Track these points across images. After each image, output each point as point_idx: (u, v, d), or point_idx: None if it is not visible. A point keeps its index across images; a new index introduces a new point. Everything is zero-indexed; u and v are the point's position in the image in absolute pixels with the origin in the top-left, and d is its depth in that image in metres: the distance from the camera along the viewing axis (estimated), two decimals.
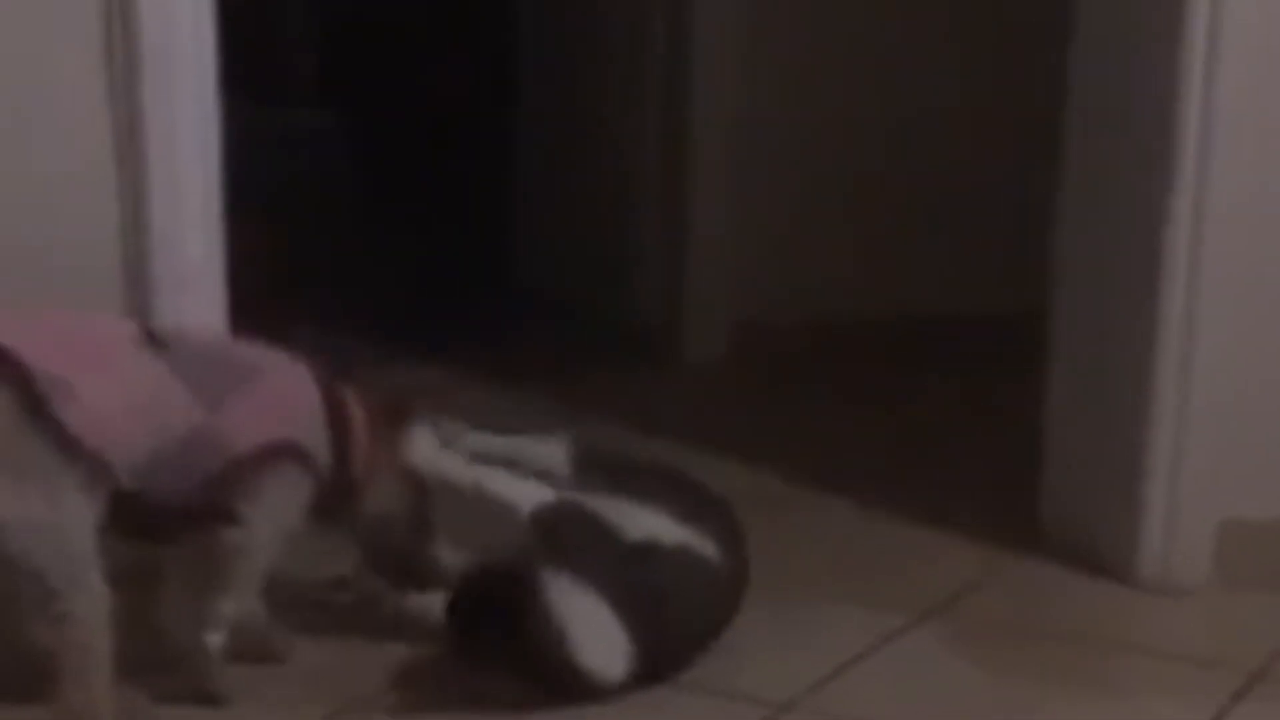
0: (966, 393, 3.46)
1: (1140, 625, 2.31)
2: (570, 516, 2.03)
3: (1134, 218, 2.36)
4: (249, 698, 1.95)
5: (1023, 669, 2.13)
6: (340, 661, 2.06)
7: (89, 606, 1.72)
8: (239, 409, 1.86)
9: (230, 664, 1.95)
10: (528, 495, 2.06)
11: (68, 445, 1.70)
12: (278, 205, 3.88)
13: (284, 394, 1.94)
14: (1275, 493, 2.39)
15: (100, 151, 2.10)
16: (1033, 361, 2.62)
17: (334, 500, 2.01)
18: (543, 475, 2.11)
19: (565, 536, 2.00)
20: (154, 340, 1.84)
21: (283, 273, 3.46)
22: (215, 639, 1.93)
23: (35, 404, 1.69)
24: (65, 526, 1.71)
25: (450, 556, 2.10)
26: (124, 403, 1.76)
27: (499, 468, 2.10)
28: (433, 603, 2.03)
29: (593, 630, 1.91)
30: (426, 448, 2.08)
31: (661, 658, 1.97)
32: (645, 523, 2.02)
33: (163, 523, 1.86)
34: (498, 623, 1.92)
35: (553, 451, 2.16)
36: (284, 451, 1.91)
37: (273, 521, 1.93)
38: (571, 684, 1.91)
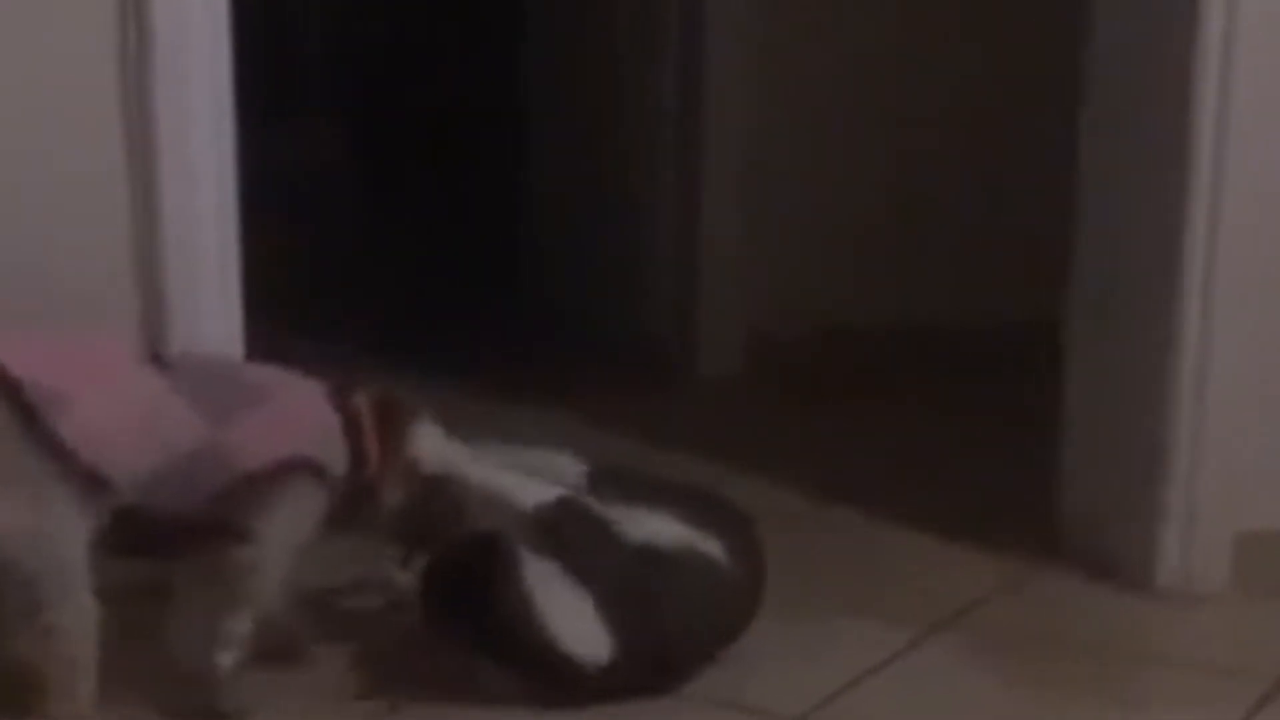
0: (983, 402, 3.43)
1: (1159, 635, 2.29)
2: (572, 515, 2.01)
3: (1149, 228, 2.35)
4: (263, 709, 1.93)
5: (1039, 680, 2.11)
6: (360, 670, 2.04)
7: (76, 619, 1.71)
8: (248, 425, 1.85)
9: (250, 670, 1.93)
10: (531, 492, 2.04)
11: (61, 458, 1.69)
12: (285, 213, 3.88)
13: (296, 410, 1.93)
14: None
15: (113, 153, 2.10)
16: (1049, 370, 2.60)
17: (351, 507, 2.00)
18: (556, 480, 2.10)
19: (566, 534, 1.98)
20: (158, 360, 1.84)
21: (291, 280, 3.45)
22: (226, 659, 1.91)
23: (28, 415, 1.68)
24: (54, 537, 1.70)
25: None
26: (124, 417, 1.75)
27: (507, 469, 2.09)
28: None
29: (569, 614, 1.89)
30: (433, 443, 2.06)
31: (655, 660, 1.95)
32: (649, 525, 2.01)
33: (168, 538, 1.85)
34: (471, 601, 1.90)
35: (567, 466, 2.15)
36: (297, 467, 1.90)
37: (285, 537, 1.92)
38: (553, 670, 1.89)
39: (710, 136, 3.66)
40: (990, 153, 3.79)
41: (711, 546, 2.02)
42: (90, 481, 1.71)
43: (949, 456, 3.09)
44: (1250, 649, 2.22)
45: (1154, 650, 2.24)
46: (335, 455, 1.96)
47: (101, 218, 2.12)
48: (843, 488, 2.83)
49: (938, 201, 3.81)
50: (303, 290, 3.73)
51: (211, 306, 2.17)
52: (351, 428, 1.98)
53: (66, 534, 1.71)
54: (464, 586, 1.93)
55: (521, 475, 2.11)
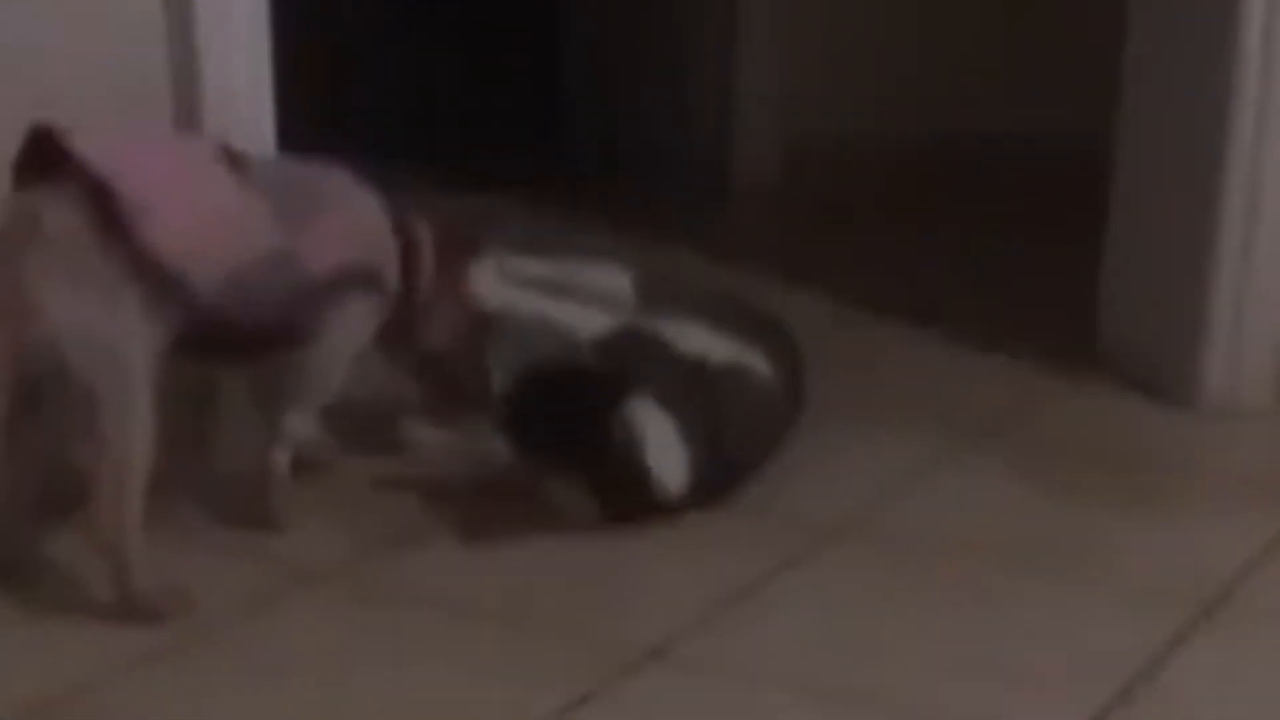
0: (1025, 214, 3.41)
1: (1199, 449, 2.29)
2: (629, 341, 2.02)
3: (1202, 38, 2.30)
4: (298, 525, 1.96)
5: (1080, 492, 2.12)
6: (389, 493, 2.06)
7: (133, 430, 1.70)
8: (316, 232, 1.85)
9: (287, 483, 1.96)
10: (588, 322, 2.04)
11: (141, 263, 1.69)
12: (323, 27, 3.82)
13: (358, 218, 1.93)
14: None
15: None
16: (1098, 180, 2.57)
17: (398, 329, 2.01)
18: (608, 302, 2.09)
19: (625, 360, 1.98)
20: (234, 160, 1.82)
21: (328, 97, 3.42)
22: (282, 457, 1.94)
23: (112, 218, 1.67)
24: (121, 342, 1.69)
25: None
26: (204, 223, 1.75)
27: (562, 296, 2.09)
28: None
29: (664, 442, 1.89)
30: (490, 280, 2.07)
31: (715, 477, 1.96)
32: (698, 340, 2.01)
33: (238, 342, 1.86)
34: (562, 424, 1.89)
35: (617, 279, 2.15)
36: (358, 274, 1.91)
37: (344, 342, 1.93)
38: (641, 494, 1.90)
39: None
40: None
41: (755, 358, 2.03)
42: (169, 287, 1.71)
43: (989, 268, 3.07)
44: None
45: (1194, 463, 2.25)
46: (391, 271, 1.96)
47: (135, 31, 2.08)
48: (881, 300, 2.82)
49: (985, 15, 3.74)
50: (340, 104, 3.69)
51: (244, 121, 2.14)
52: (408, 251, 1.98)
53: (133, 343, 1.70)
54: (564, 409, 1.90)
55: (572, 293, 2.11)
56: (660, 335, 2.02)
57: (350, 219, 1.91)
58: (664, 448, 1.89)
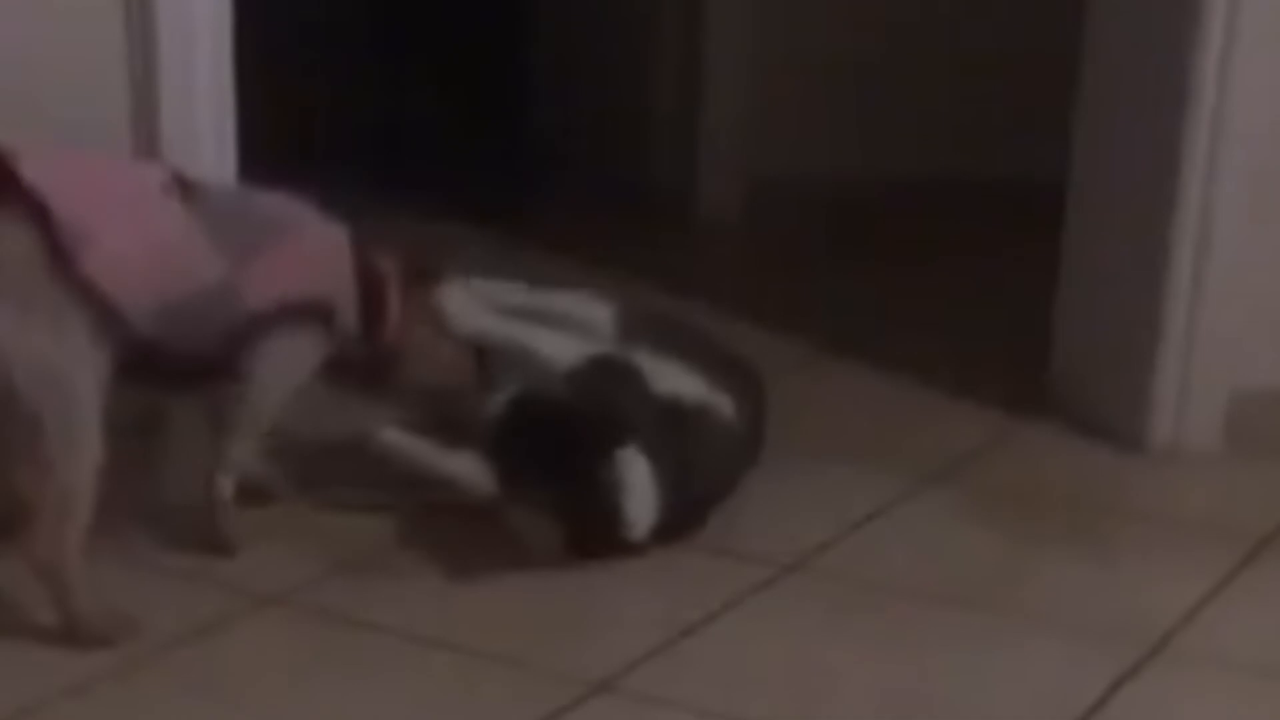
0: (981, 256, 3.43)
1: (1148, 491, 2.31)
2: (604, 373, 2.01)
3: (1154, 79, 2.32)
4: (248, 551, 1.96)
5: (1030, 533, 2.13)
6: (343, 519, 2.06)
7: (78, 456, 1.70)
8: (260, 265, 1.85)
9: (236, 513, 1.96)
10: (563, 351, 2.04)
11: (80, 290, 1.69)
12: (290, 59, 3.83)
13: (311, 251, 1.92)
14: None
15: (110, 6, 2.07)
16: (1049, 226, 2.59)
17: (374, 366, 2.01)
18: (586, 330, 2.09)
19: (597, 392, 1.98)
20: (185, 189, 1.82)
21: (296, 129, 3.43)
22: (225, 483, 1.94)
23: (53, 245, 1.67)
24: (68, 369, 1.69)
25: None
26: (145, 252, 1.75)
27: (536, 323, 2.09)
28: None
29: (642, 488, 1.90)
30: (460, 304, 2.06)
31: (679, 516, 1.97)
32: (672, 379, 2.01)
33: (178, 373, 1.86)
34: (549, 457, 1.89)
35: (598, 309, 2.14)
36: (303, 308, 1.90)
37: (281, 376, 1.93)
38: (609, 534, 1.90)
39: None
40: (1001, 7, 3.75)
41: (723, 398, 2.03)
42: (107, 314, 1.71)
43: (947, 309, 3.09)
44: (1239, 507, 2.24)
45: (1142, 506, 2.27)
46: (346, 304, 1.96)
47: (97, 66, 2.09)
48: (837, 338, 2.84)
49: (948, 50, 3.78)
50: (305, 131, 3.70)
51: (206, 158, 2.15)
52: (371, 287, 1.98)
53: (81, 368, 1.70)
54: (554, 443, 1.90)
55: (551, 323, 2.10)
56: (635, 370, 2.01)
57: (301, 251, 1.91)
58: (641, 493, 1.90)
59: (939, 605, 1.92)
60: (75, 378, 1.70)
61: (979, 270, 3.35)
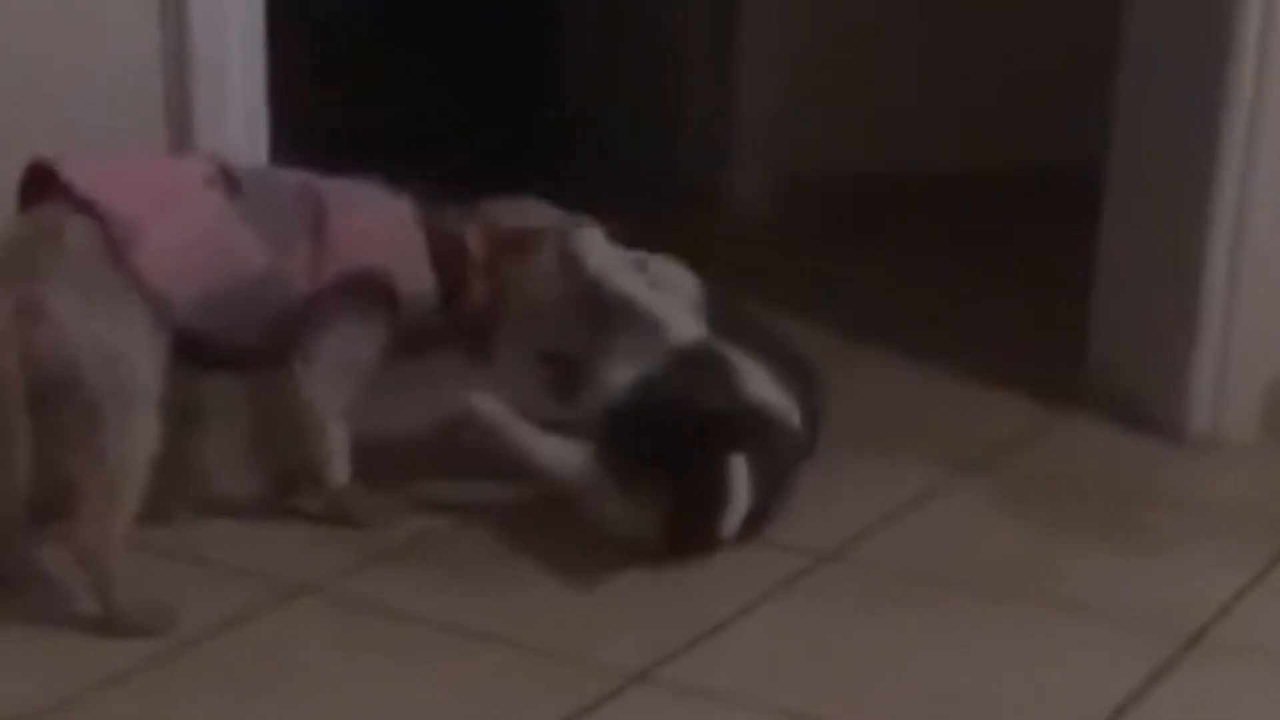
0: (1017, 247, 3.42)
1: (1187, 481, 2.30)
2: (706, 362, 1.99)
3: (1192, 74, 2.31)
4: (283, 539, 1.96)
5: (1067, 523, 2.13)
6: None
7: (133, 445, 1.71)
8: (309, 249, 1.85)
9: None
10: (678, 323, 2.02)
11: (135, 282, 1.71)
12: (315, 51, 3.84)
13: (363, 228, 1.91)
14: None
15: None
16: (1086, 216, 2.58)
17: (456, 337, 2.00)
18: (680, 292, 2.08)
19: (697, 379, 1.96)
20: (228, 179, 1.83)
21: (323, 121, 3.43)
22: (339, 473, 1.96)
23: (108, 242, 1.69)
24: (129, 356, 1.70)
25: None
26: (190, 245, 1.76)
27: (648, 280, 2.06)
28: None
29: (741, 490, 1.90)
30: (599, 252, 2.02)
31: (751, 521, 1.96)
32: (758, 384, 2.00)
33: (232, 360, 1.88)
34: (664, 456, 1.88)
35: (684, 278, 2.14)
36: (356, 287, 1.90)
37: (347, 357, 1.93)
38: (704, 539, 1.91)
39: None
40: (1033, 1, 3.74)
41: (791, 407, 2.03)
42: (157, 307, 1.73)
43: (979, 300, 3.08)
44: (1276, 496, 2.23)
45: (1179, 496, 2.26)
46: (416, 277, 1.95)
47: (130, 43, 2.09)
48: (871, 329, 2.84)
49: (979, 41, 3.76)
50: (332, 123, 3.70)
51: (238, 135, 2.15)
52: (448, 255, 1.96)
53: (140, 354, 1.71)
54: (670, 443, 1.89)
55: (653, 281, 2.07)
56: (731, 368, 1.99)
57: (351, 229, 1.90)
58: (740, 499, 1.90)
59: (975, 595, 1.91)
60: (136, 365, 1.71)
61: (1010, 261, 3.34)
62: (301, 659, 1.72)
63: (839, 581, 1.94)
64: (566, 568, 1.91)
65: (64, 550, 1.72)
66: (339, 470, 1.97)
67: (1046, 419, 2.48)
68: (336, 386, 1.94)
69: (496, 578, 1.91)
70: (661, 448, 1.89)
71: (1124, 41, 2.47)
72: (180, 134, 2.12)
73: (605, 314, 2.04)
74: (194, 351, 1.79)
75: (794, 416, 2.03)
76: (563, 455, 1.94)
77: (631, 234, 2.13)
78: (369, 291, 1.92)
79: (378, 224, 1.93)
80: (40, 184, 1.74)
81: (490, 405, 1.97)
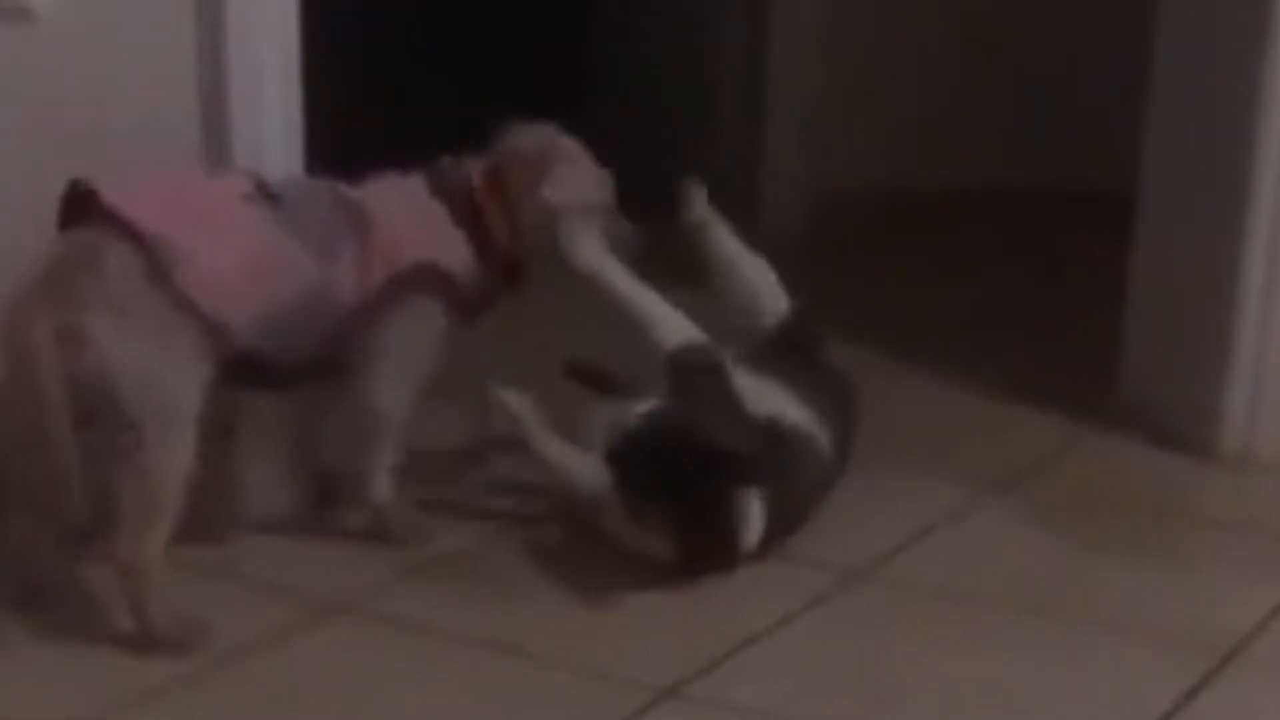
0: (1051, 265, 3.42)
1: (1221, 499, 2.29)
2: (703, 368, 1.98)
3: (1226, 93, 2.31)
4: (317, 557, 1.97)
5: (1100, 541, 2.12)
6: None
7: (172, 462, 1.72)
8: (353, 257, 1.86)
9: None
10: (670, 330, 2.00)
11: (182, 308, 1.72)
12: (346, 57, 3.86)
13: (402, 226, 1.90)
14: None
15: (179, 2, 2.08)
16: (1119, 234, 2.58)
17: (498, 290, 2.00)
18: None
19: (692, 386, 1.96)
20: (267, 194, 1.83)
21: (351, 128, 3.45)
22: (381, 489, 1.97)
23: (150, 262, 1.71)
24: (169, 376, 1.72)
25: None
26: (237, 265, 1.77)
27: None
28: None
29: (756, 518, 1.90)
30: (593, 248, 2.00)
31: (776, 542, 1.97)
32: (770, 401, 2.00)
33: (287, 376, 1.89)
34: (679, 483, 1.88)
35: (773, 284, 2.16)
36: (410, 287, 1.90)
37: (407, 363, 1.94)
38: (721, 561, 1.92)
39: None
40: (1066, 17, 3.73)
41: (823, 435, 2.03)
42: (210, 330, 1.74)
43: (1016, 317, 3.08)
44: None
45: (1213, 514, 2.25)
46: (455, 253, 1.94)
47: (166, 44, 2.10)
48: (903, 345, 2.83)
49: (1014, 60, 3.76)
50: (360, 130, 3.72)
51: (273, 131, 2.14)
52: (463, 210, 1.96)
53: (181, 375, 1.73)
54: (685, 470, 1.88)
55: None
56: (728, 381, 1.98)
57: (390, 233, 1.89)
58: (755, 526, 1.90)
59: (1008, 612, 1.91)
60: (177, 385, 1.73)
61: (1043, 277, 3.34)
62: (334, 676, 1.73)
63: (870, 598, 1.93)
64: (596, 583, 1.92)
65: (105, 567, 1.74)
66: (383, 486, 1.98)
67: (1079, 436, 2.48)
68: (401, 394, 1.95)
69: (527, 593, 1.91)
70: (668, 476, 1.88)
71: (1156, 58, 2.47)
72: (218, 150, 2.12)
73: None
74: (254, 373, 1.81)
75: (819, 432, 2.03)
76: (582, 468, 1.94)
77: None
78: (425, 287, 1.91)
79: (411, 215, 1.93)
80: (80, 205, 1.76)
81: (518, 401, 1.98)
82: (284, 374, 1.87)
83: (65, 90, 1.99)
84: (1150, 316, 2.52)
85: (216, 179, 1.96)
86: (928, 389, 2.68)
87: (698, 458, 1.88)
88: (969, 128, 3.76)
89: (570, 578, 1.93)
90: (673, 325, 2.01)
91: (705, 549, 1.90)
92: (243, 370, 1.80)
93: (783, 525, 1.97)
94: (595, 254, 2.01)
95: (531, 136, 2.06)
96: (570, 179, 2.03)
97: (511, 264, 2.00)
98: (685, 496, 1.88)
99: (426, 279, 1.91)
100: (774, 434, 1.97)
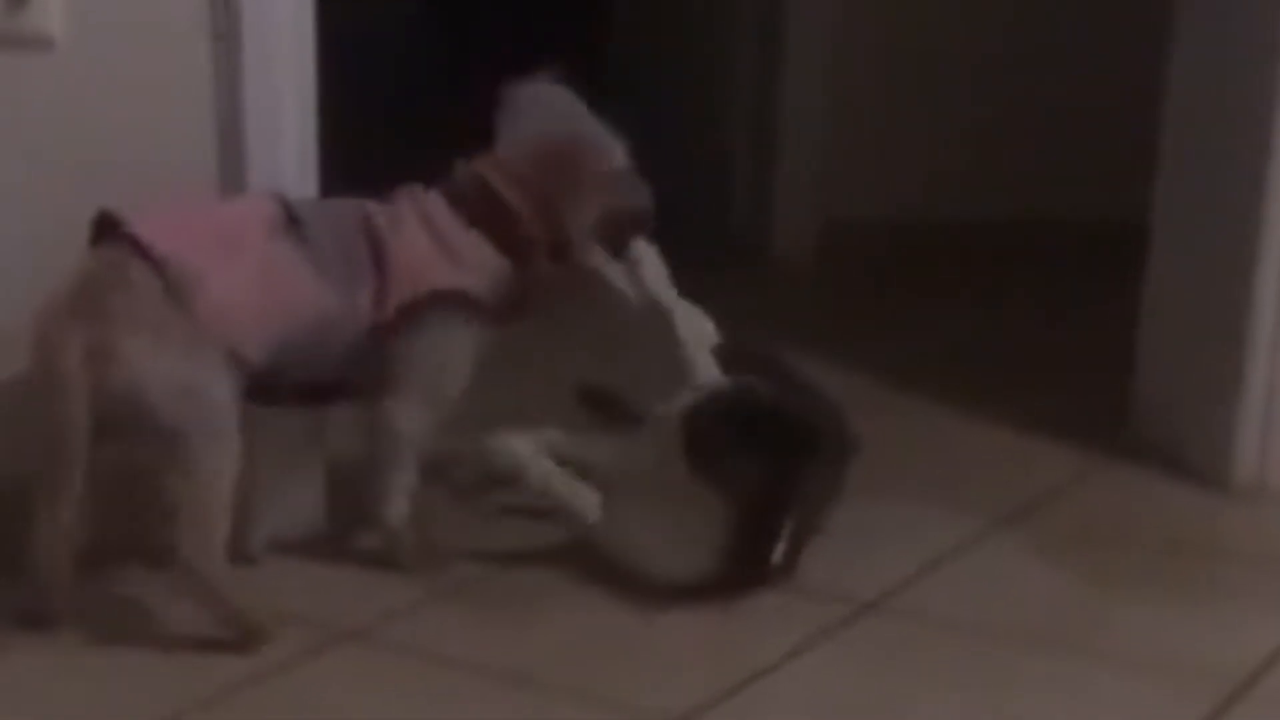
0: (1060, 296, 3.42)
1: (1234, 531, 2.28)
2: (735, 409, 1.98)
3: (1238, 123, 2.31)
4: (327, 584, 1.97)
5: (1112, 573, 2.11)
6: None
7: (219, 459, 1.74)
8: (375, 280, 1.86)
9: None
10: (706, 370, 2.02)
11: (201, 329, 1.74)
12: (369, 98, 3.88)
13: (416, 249, 1.90)
14: None
15: (197, 32, 2.09)
16: (1129, 265, 2.58)
17: (544, 285, 1.99)
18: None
19: (714, 434, 1.95)
20: (290, 218, 1.84)
21: (364, 147, 3.46)
22: (393, 513, 1.97)
23: (170, 288, 1.72)
24: (204, 381, 1.73)
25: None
26: (252, 292, 1.78)
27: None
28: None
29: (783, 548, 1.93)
30: (660, 277, 2.03)
31: (791, 564, 1.98)
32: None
33: (307, 396, 1.90)
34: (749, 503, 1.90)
35: (707, 326, 2.15)
36: (436, 301, 1.89)
37: (430, 389, 1.94)
38: (753, 578, 1.93)
39: (792, 20, 3.63)
40: (1077, 48, 3.75)
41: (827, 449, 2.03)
42: (226, 352, 1.76)
43: (1025, 348, 3.08)
44: None
45: (1226, 546, 2.24)
46: (470, 258, 1.92)
47: (183, 74, 2.11)
48: (914, 376, 2.83)
49: (1022, 91, 3.77)
50: (379, 150, 3.74)
51: (289, 161, 2.15)
52: (484, 213, 1.93)
53: (216, 380, 1.74)
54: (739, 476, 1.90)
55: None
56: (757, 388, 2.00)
57: (408, 255, 1.89)
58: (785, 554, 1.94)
59: (1019, 645, 1.90)
60: (213, 389, 1.74)
61: (1054, 310, 3.34)
62: (343, 704, 1.73)
63: (880, 630, 1.93)
64: (608, 612, 1.91)
65: (166, 575, 1.76)
66: (398, 510, 1.98)
67: (1090, 467, 2.47)
68: (421, 417, 1.95)
69: (538, 623, 1.91)
70: (745, 445, 1.89)
71: (1167, 91, 2.47)
72: (233, 180, 2.13)
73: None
74: (264, 392, 1.82)
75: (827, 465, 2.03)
76: (583, 503, 1.96)
77: (675, 281, 2.14)
78: (444, 308, 1.90)
79: (431, 237, 1.91)
80: (103, 229, 1.77)
81: (508, 446, 2.00)
82: (302, 393, 1.88)
83: (82, 119, 2.01)
84: (1161, 348, 2.53)
85: (240, 205, 1.94)
86: (938, 420, 2.68)
87: (777, 428, 1.90)
88: (979, 160, 3.77)
89: (581, 608, 1.93)
90: (705, 367, 2.03)
91: (747, 561, 1.91)
92: (253, 393, 1.80)
93: (800, 547, 1.98)
94: (652, 270, 2.05)
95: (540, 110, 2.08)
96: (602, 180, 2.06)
97: (554, 244, 1.97)
98: (756, 463, 1.89)
99: (445, 302, 1.91)
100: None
